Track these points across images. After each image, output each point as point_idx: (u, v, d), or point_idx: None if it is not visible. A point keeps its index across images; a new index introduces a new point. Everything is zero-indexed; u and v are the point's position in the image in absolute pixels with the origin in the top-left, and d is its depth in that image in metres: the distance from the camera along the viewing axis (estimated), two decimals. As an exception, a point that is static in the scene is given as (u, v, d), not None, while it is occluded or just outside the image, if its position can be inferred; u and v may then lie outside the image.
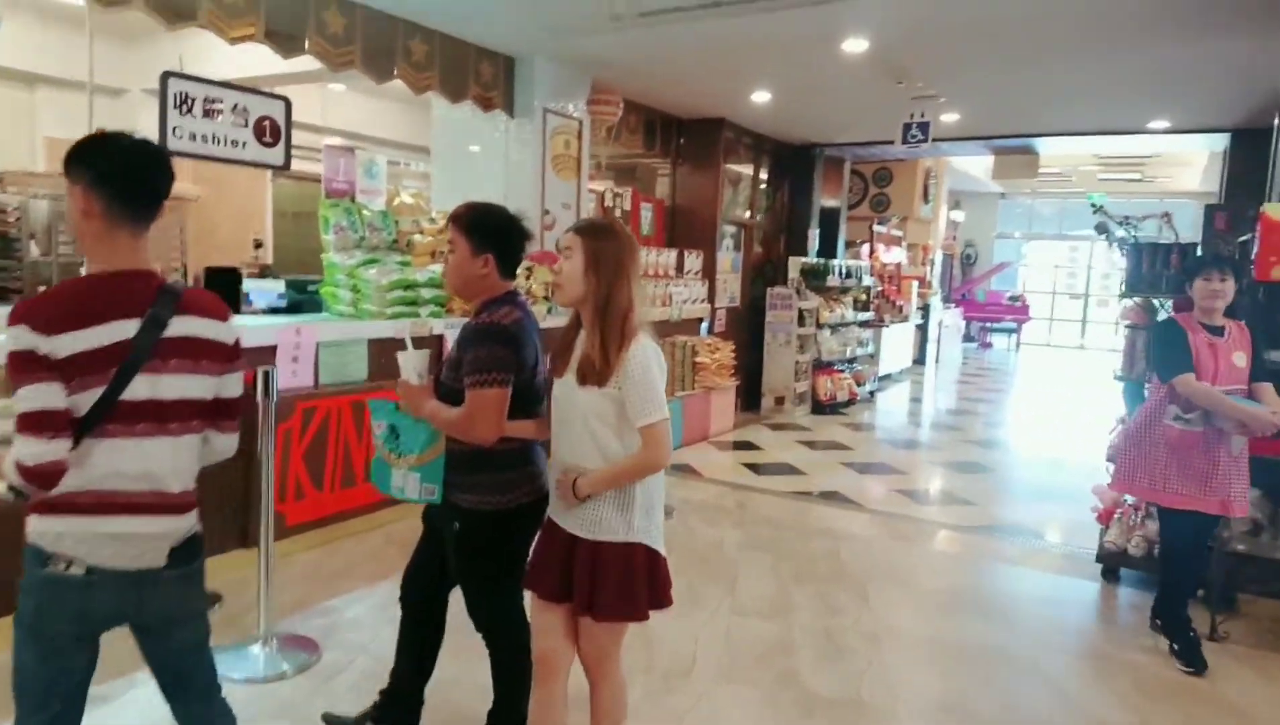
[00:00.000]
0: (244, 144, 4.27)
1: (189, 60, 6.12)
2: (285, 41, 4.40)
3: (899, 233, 12.64)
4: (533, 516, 2.24)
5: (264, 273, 8.11)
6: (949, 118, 7.29)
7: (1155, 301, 4.52)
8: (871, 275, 10.42)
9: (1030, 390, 12.03)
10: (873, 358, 10.26)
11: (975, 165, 14.34)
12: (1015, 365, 15.15)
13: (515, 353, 2.17)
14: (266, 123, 4.35)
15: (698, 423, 7.22)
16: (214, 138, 4.13)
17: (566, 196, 6.30)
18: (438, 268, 4.88)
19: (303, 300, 4.85)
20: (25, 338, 1.53)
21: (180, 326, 1.67)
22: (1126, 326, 4.53)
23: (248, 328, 3.49)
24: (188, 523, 1.74)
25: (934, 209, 13.99)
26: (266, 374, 3.10)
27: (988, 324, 17.79)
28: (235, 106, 4.20)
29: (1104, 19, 4.73)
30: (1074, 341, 19.02)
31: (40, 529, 1.61)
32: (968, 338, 16.97)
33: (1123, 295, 4.68)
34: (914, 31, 5.12)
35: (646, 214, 7.75)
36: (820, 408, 8.78)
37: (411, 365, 2.31)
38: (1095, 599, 4.09)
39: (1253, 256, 3.65)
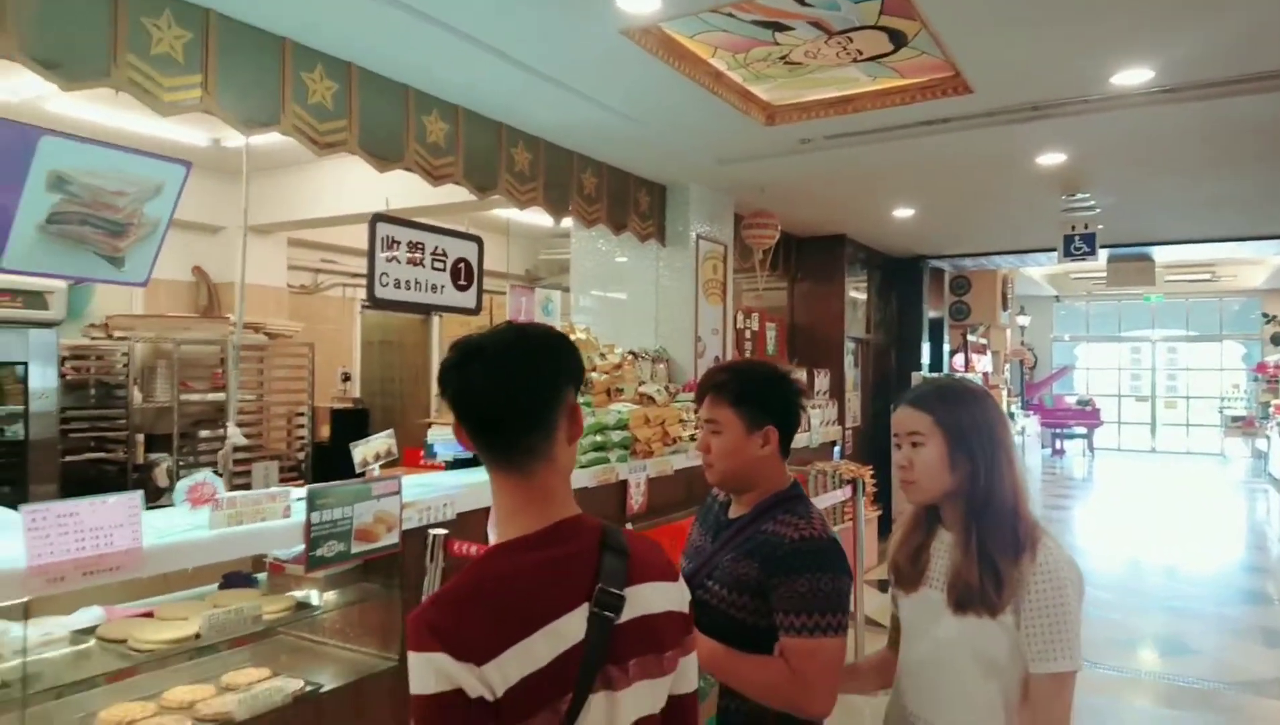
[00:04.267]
0: (442, 288, 3.93)
1: (309, 194, 5.93)
2: (480, 179, 4.14)
3: (984, 341, 12.33)
4: None
5: (356, 408, 7.69)
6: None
7: None
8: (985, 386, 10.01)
9: (1144, 500, 11.38)
10: (986, 475, 9.70)
11: (1034, 271, 14.19)
12: (1097, 473, 14.49)
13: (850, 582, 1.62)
14: (462, 265, 4.02)
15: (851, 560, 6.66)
16: (416, 283, 3.79)
17: (715, 322, 5.98)
18: (619, 407, 4.49)
19: (477, 450, 4.43)
20: (448, 671, 0.95)
21: (637, 603, 1.09)
22: None
23: (459, 487, 2.94)
24: None
25: (1010, 316, 13.75)
26: (434, 539, 2.46)
27: (1058, 430, 17.24)
28: (435, 249, 3.88)
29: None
30: (1144, 445, 18.38)
31: None
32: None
33: None
34: (1105, 144, 4.88)
35: (771, 334, 7.41)
36: (954, 534, 8.18)
37: None
38: None
39: None
